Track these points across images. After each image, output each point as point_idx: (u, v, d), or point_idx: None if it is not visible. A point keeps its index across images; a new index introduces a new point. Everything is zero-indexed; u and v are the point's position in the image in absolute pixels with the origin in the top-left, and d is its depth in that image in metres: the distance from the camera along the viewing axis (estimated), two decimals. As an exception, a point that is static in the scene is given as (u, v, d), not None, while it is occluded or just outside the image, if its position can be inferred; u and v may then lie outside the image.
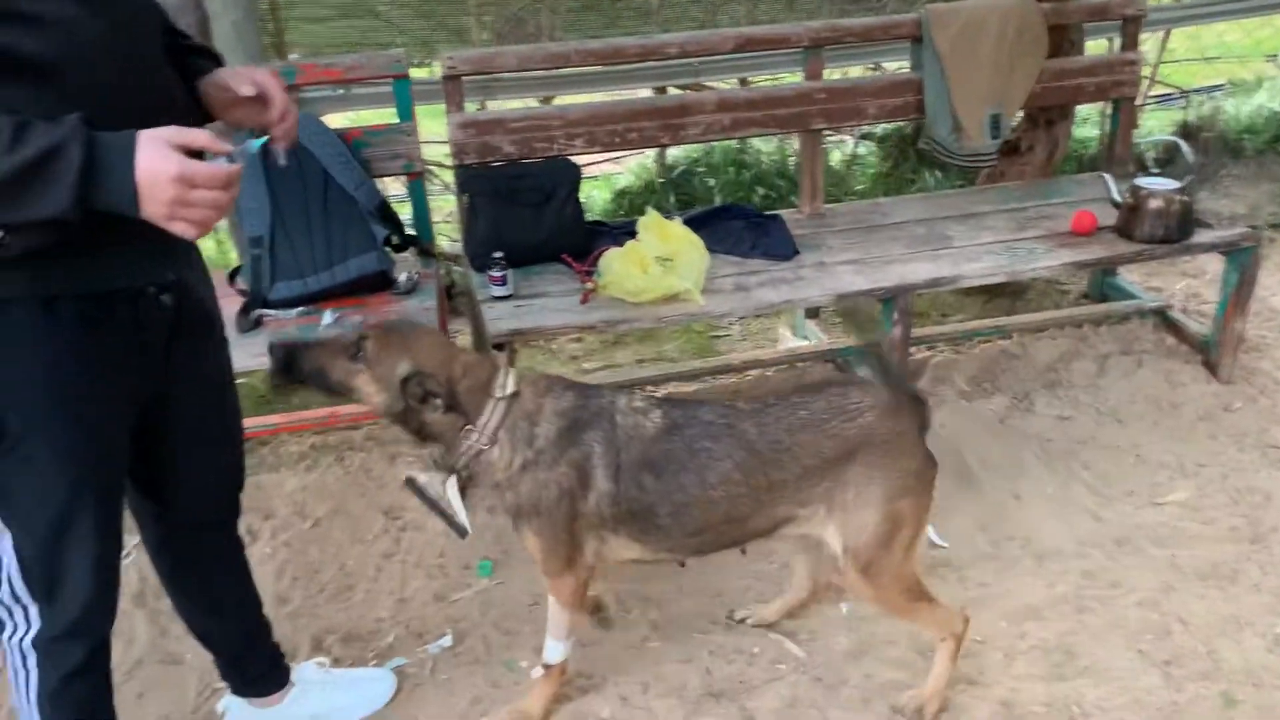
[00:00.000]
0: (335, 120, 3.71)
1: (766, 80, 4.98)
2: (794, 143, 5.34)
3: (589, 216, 3.58)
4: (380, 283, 3.07)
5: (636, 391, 2.21)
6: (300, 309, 2.94)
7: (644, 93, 4.84)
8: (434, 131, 4.22)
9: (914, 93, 3.61)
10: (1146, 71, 5.15)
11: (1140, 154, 4.71)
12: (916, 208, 3.65)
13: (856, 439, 2.05)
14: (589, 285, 3.01)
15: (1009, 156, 4.06)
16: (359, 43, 4.60)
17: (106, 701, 1.92)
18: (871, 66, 5.08)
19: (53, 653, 1.76)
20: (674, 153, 5.25)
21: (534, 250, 3.21)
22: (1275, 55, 7.11)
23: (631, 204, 5.02)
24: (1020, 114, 3.87)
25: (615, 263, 2.96)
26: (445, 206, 4.94)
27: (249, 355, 2.81)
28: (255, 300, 2.95)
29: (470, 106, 3.52)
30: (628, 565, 2.30)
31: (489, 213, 3.19)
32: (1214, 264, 3.93)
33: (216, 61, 1.81)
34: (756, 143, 5.33)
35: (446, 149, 3.46)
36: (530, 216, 3.21)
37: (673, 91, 4.63)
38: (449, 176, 4.91)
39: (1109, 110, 4.39)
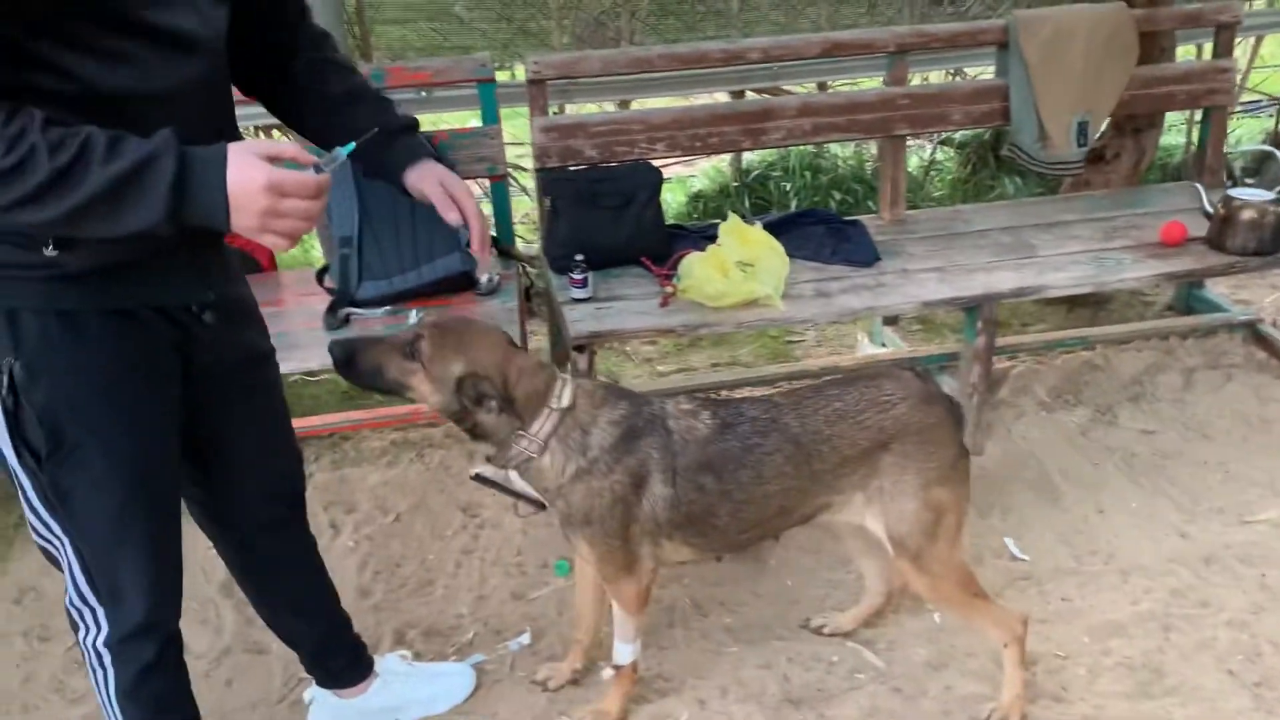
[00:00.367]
0: (418, 122, 3.77)
1: (845, 85, 4.96)
2: (871, 148, 5.32)
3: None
4: (464, 283, 3.12)
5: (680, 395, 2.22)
6: (386, 308, 3.01)
7: (720, 96, 4.84)
8: (510, 134, 4.27)
9: (999, 99, 3.57)
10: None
11: (1229, 163, 4.60)
12: (1000, 215, 3.60)
13: (891, 429, 2.08)
14: (669, 289, 3.02)
15: (1094, 164, 3.99)
16: (440, 46, 4.67)
17: (183, 694, 1.96)
18: (952, 72, 5.02)
19: (123, 652, 1.80)
20: (749, 156, 5.25)
21: (613, 253, 3.22)
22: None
23: (706, 207, 5.03)
24: (1107, 122, 3.81)
25: (696, 267, 2.97)
26: (519, 209, 5.00)
27: (337, 352, 2.88)
28: (343, 299, 3.01)
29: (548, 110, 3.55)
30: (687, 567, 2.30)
31: (570, 215, 3.22)
32: (1307, 277, 3.83)
33: (385, 113, 1.84)
34: (834, 147, 5.31)
35: (520, 151, 3.51)
36: (611, 220, 3.23)
37: (750, 95, 4.62)
38: (525, 179, 4.96)
39: (1196, 118, 4.31)
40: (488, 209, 3.60)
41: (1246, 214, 3.12)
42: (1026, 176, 5.06)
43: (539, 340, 3.85)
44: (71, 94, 1.36)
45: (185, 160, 1.35)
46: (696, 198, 5.11)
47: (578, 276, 3.01)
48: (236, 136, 1.47)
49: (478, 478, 2.26)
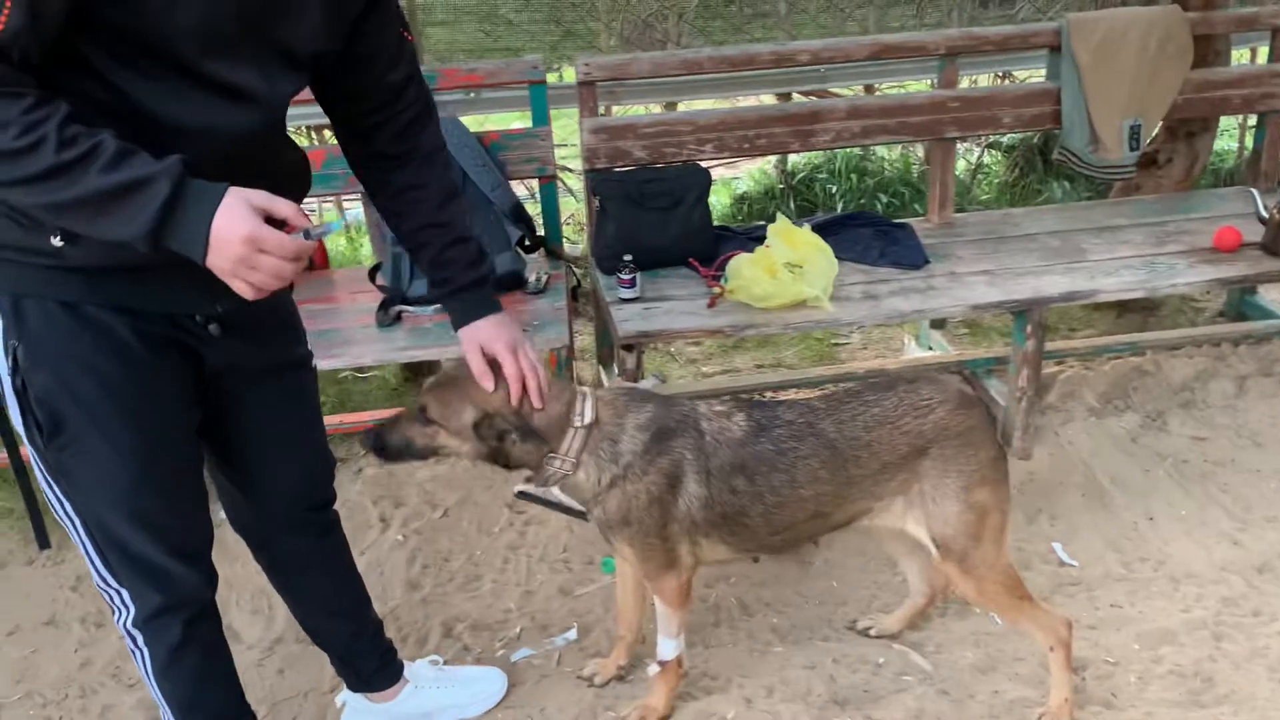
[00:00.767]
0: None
1: (893, 87, 4.94)
2: (918, 150, 5.30)
3: (711, 222, 3.60)
4: (513, 283, 3.16)
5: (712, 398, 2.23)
6: (436, 306, 3.04)
7: (766, 99, 4.85)
8: (555, 136, 4.30)
9: (1050, 102, 3.55)
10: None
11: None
12: (1049, 219, 3.58)
13: (930, 434, 2.08)
14: (716, 290, 3.03)
15: (1146, 169, 3.96)
16: (488, 48, 4.71)
17: (220, 671, 1.99)
18: (1000, 75, 4.99)
19: (151, 631, 1.83)
20: (794, 158, 5.25)
21: (661, 254, 3.25)
22: None
23: (750, 209, 5.04)
24: (1159, 126, 3.77)
25: (744, 268, 2.98)
26: (564, 210, 5.03)
27: (389, 349, 2.93)
28: (395, 297, 3.06)
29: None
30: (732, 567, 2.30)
31: (619, 216, 3.24)
32: (1364, 284, 3.77)
33: (459, 265, 1.91)
34: (880, 150, 5.30)
35: (564, 152, 3.54)
36: (659, 220, 3.25)
37: (796, 98, 4.63)
38: (569, 180, 5.00)
39: (1249, 123, 4.25)
40: (535, 209, 3.63)
41: (1303, 219, 3.09)
42: (1075, 180, 5.02)
43: (584, 339, 3.88)
44: (117, 110, 1.40)
45: (181, 189, 1.37)
46: (741, 200, 5.12)
47: (626, 277, 3.03)
48: (273, 184, 1.48)
49: (521, 494, 2.29)
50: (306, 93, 1.75)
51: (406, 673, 2.36)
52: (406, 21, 1.83)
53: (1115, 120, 3.52)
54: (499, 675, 2.45)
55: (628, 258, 3.05)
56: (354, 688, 2.34)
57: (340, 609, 2.25)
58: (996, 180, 5.25)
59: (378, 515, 3.07)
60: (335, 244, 4.09)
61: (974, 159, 5.36)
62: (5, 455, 2.98)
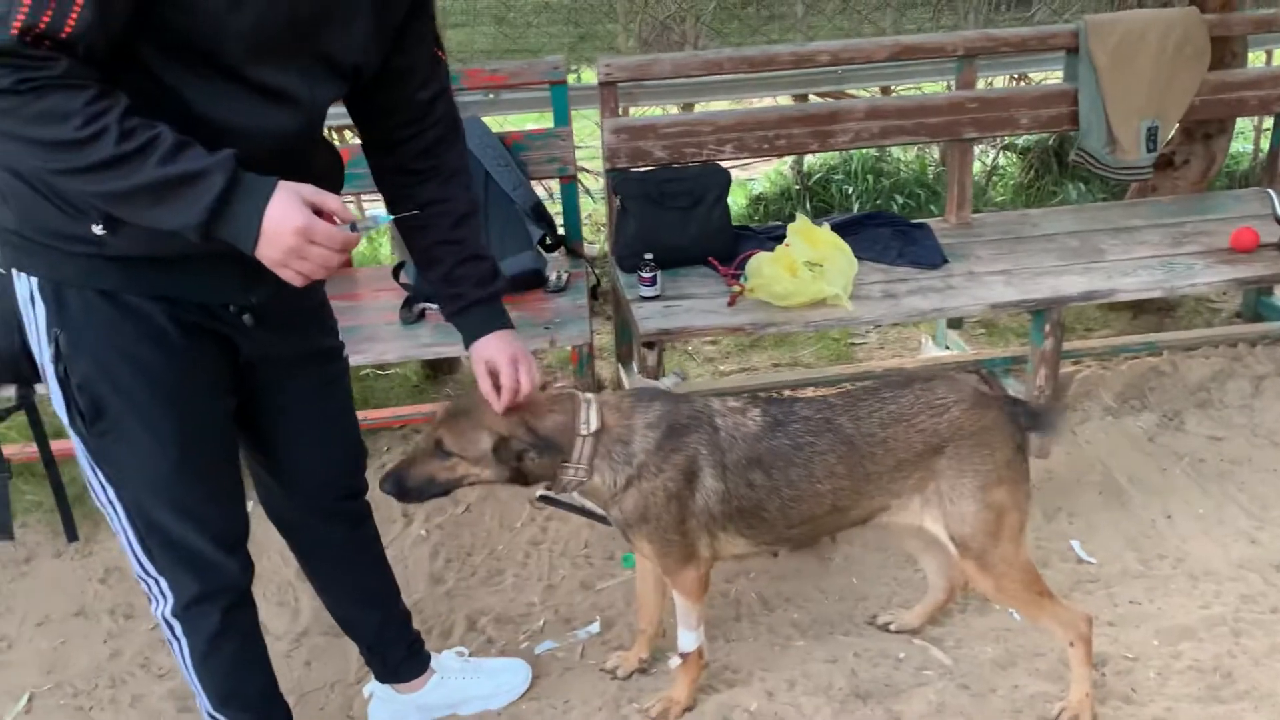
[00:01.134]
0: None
1: (910, 89, 4.96)
2: (934, 152, 5.32)
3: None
4: (534, 281, 3.19)
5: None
6: (460, 303, 3.07)
7: (783, 100, 4.88)
8: (574, 137, 4.34)
9: (1068, 104, 3.58)
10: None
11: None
12: (1067, 220, 3.61)
13: (945, 433, 2.11)
14: (736, 288, 3.06)
15: (1162, 170, 3.97)
16: (506, 50, 4.74)
17: (255, 661, 2.03)
18: (1016, 77, 5.01)
19: (189, 620, 1.87)
20: (810, 159, 5.27)
21: (681, 253, 3.28)
22: None
23: (767, 210, 5.07)
24: (1176, 127, 3.79)
25: (764, 266, 3.00)
26: (582, 210, 5.06)
27: (413, 346, 2.97)
28: (418, 295, 3.09)
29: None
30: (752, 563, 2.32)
31: (639, 215, 3.27)
32: (1381, 285, 3.78)
33: (473, 281, 1.94)
34: (896, 151, 5.32)
35: (581, 153, 3.57)
36: (679, 220, 3.28)
37: (813, 99, 4.65)
38: (588, 180, 5.03)
39: (1264, 125, 4.26)
40: (556, 209, 3.66)
41: (1320, 220, 3.10)
42: (1090, 182, 5.03)
43: (603, 338, 3.91)
44: (167, 107, 1.44)
45: (235, 182, 1.42)
46: (757, 201, 5.15)
47: (647, 275, 3.06)
48: (309, 182, 1.52)
49: (543, 499, 2.32)
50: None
51: (433, 664, 2.39)
52: (441, 41, 1.86)
53: (1133, 121, 3.53)
54: (523, 667, 2.48)
55: (648, 256, 3.07)
56: (381, 678, 2.37)
57: (370, 599, 2.29)
58: (1012, 182, 5.27)
59: (400, 510, 3.10)
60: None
61: (989, 161, 5.38)
62: (35, 449, 3.01)
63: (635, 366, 3.18)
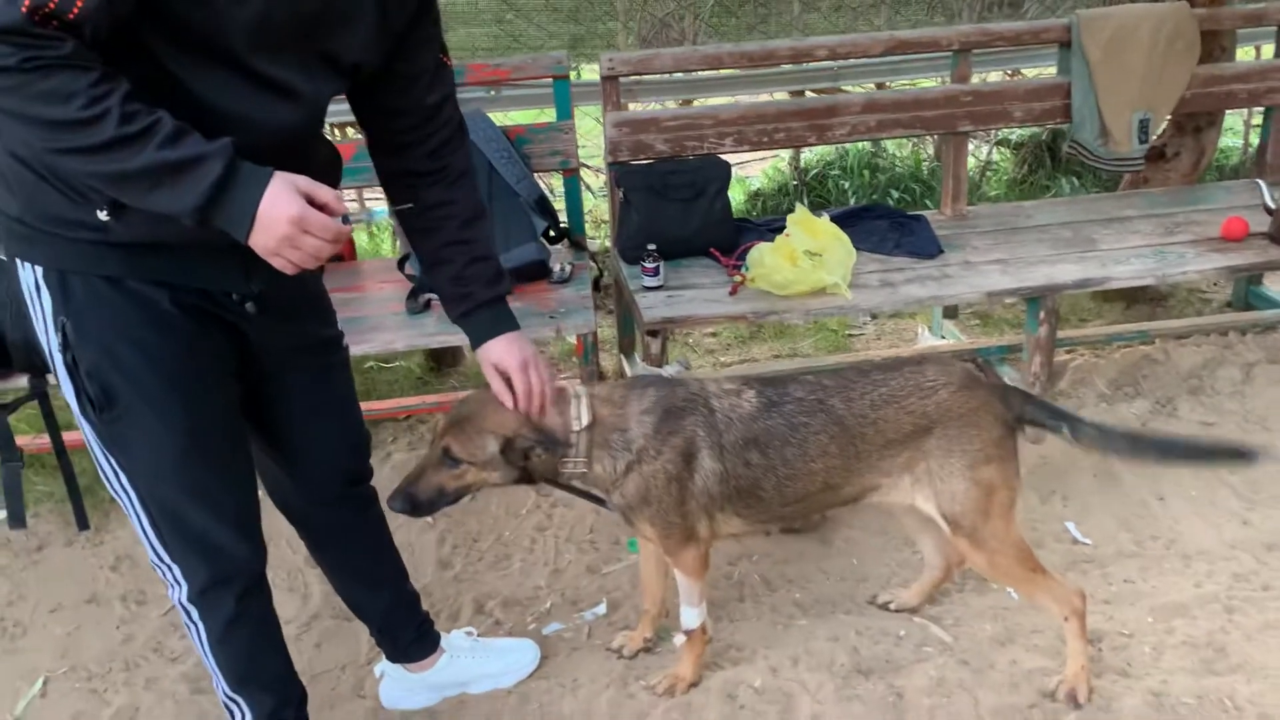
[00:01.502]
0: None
1: (905, 85, 5.02)
2: (928, 147, 5.39)
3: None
4: (539, 272, 3.24)
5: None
6: (466, 292, 3.11)
7: (780, 96, 4.93)
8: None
9: (1061, 97, 3.64)
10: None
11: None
12: (1060, 211, 3.67)
13: (934, 414, 2.17)
14: (738, 278, 3.11)
15: (1154, 163, 4.03)
16: (510, 47, 4.79)
17: (271, 641, 2.07)
18: (1010, 73, 5.07)
19: (205, 605, 1.90)
20: (807, 155, 5.33)
21: (683, 244, 3.34)
22: None
23: (765, 205, 5.12)
24: (1167, 120, 3.85)
25: (765, 256, 3.06)
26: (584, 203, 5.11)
27: (419, 335, 3.01)
28: (424, 285, 3.14)
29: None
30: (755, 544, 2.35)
31: (642, 207, 3.33)
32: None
33: (480, 282, 1.99)
34: (891, 147, 5.38)
35: (583, 151, 3.62)
36: (680, 211, 3.34)
37: (810, 95, 4.71)
38: (588, 176, 5.08)
39: (1254, 120, 4.32)
40: (560, 205, 3.71)
41: (1308, 209, 3.17)
42: (1083, 176, 5.10)
43: (604, 331, 3.96)
44: (169, 94, 1.47)
45: (232, 170, 1.46)
46: (755, 196, 5.20)
47: (650, 265, 3.12)
48: (307, 174, 1.56)
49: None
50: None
51: (443, 643, 2.44)
52: (446, 47, 1.91)
53: (1125, 114, 3.60)
54: (532, 647, 2.53)
55: (651, 247, 3.13)
56: (392, 658, 2.42)
57: (379, 581, 2.33)
58: (1006, 177, 5.33)
59: (407, 498, 3.14)
60: (356, 239, 4.16)
61: (984, 156, 5.44)
62: (45, 440, 3.05)
63: (638, 357, 3.23)
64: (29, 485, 3.13)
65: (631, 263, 3.27)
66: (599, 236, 4.76)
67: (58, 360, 1.69)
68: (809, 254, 3.03)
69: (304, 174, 1.55)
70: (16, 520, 2.57)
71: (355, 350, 2.73)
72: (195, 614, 1.92)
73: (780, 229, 3.21)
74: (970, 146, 5.48)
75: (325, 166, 1.82)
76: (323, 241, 1.53)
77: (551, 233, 3.39)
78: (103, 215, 1.55)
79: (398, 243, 4.47)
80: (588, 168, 4.95)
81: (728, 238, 3.36)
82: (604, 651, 2.55)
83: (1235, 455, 2.33)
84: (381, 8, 1.67)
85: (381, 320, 3.08)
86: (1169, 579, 2.69)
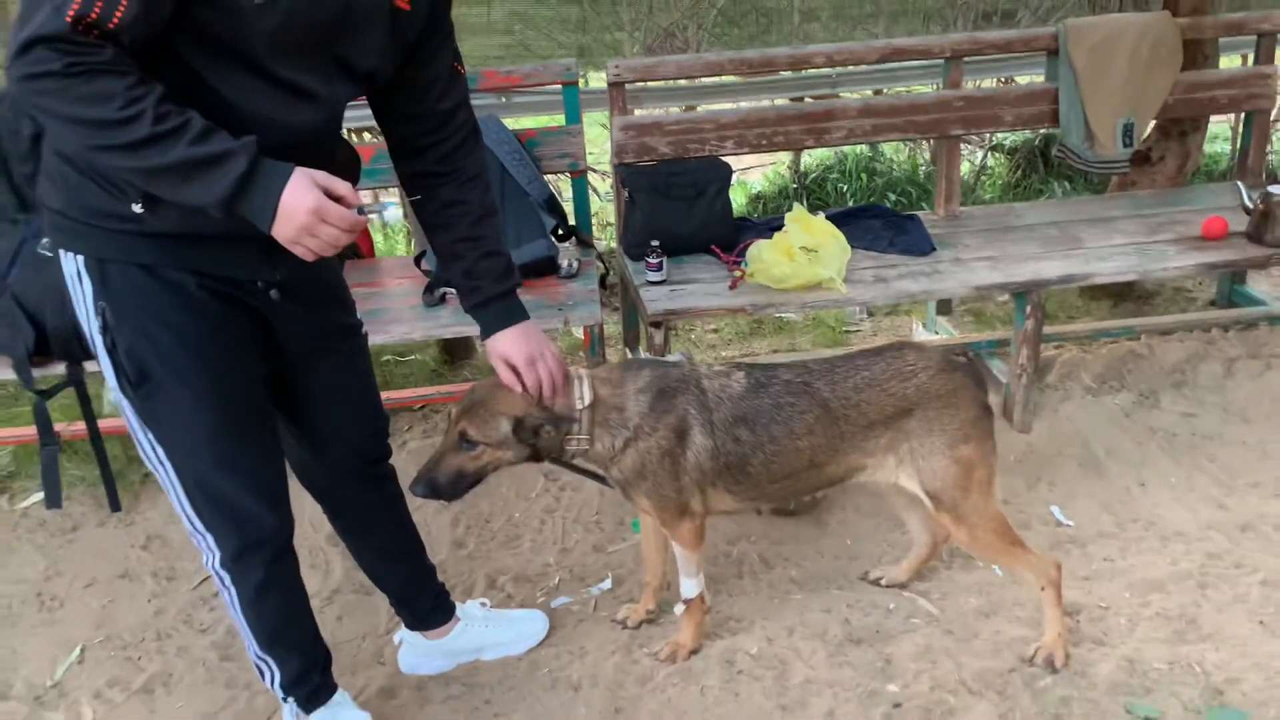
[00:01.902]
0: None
1: (901, 91, 5.17)
2: (924, 152, 5.54)
3: (730, 215, 3.83)
4: (548, 267, 3.39)
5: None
6: (479, 287, 3.27)
7: (781, 103, 5.08)
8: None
9: (1049, 102, 3.79)
10: None
11: (1270, 165, 4.76)
12: (1049, 212, 3.82)
13: (914, 396, 2.31)
14: (738, 273, 3.26)
15: (1140, 166, 4.18)
16: (521, 56, 4.94)
17: (298, 605, 2.21)
18: (1002, 81, 5.23)
19: (236, 571, 2.05)
20: (806, 159, 5.49)
21: (685, 241, 3.49)
22: None
23: (765, 208, 5.28)
24: (1152, 124, 4.00)
25: (764, 252, 3.21)
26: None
27: (435, 326, 3.17)
28: (439, 280, 3.29)
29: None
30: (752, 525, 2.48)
31: (646, 205, 3.48)
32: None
33: (491, 276, 2.13)
34: (888, 151, 5.53)
35: (589, 156, 3.76)
36: (683, 210, 3.49)
37: (809, 101, 4.86)
38: (594, 179, 5.24)
39: (1239, 125, 4.46)
40: (569, 206, 3.87)
41: (1284, 208, 3.31)
42: (1075, 180, 5.24)
43: (610, 326, 4.11)
44: (197, 96, 1.61)
45: (256, 165, 1.60)
46: (756, 198, 5.36)
47: (653, 261, 3.27)
48: (327, 169, 1.70)
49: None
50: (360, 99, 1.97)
51: (458, 612, 2.59)
52: (460, 56, 2.06)
53: (1110, 119, 3.75)
54: (541, 617, 2.68)
55: (655, 244, 3.28)
56: (410, 626, 2.57)
57: (398, 553, 2.48)
58: (999, 181, 5.48)
59: (422, 482, 3.29)
60: (373, 238, 4.31)
61: (978, 161, 5.59)
62: (78, 427, 3.21)
63: (642, 349, 3.38)
64: (64, 469, 3.27)
65: (636, 259, 3.42)
66: (605, 238, 4.92)
67: (98, 342, 1.83)
68: (805, 250, 3.18)
69: (325, 170, 1.69)
70: (53, 501, 2.71)
71: (375, 340, 2.89)
72: (228, 579, 2.06)
73: (779, 227, 3.35)
74: (965, 151, 5.65)
75: (344, 165, 1.96)
76: (339, 230, 1.66)
77: (560, 230, 3.54)
78: (137, 208, 1.70)
79: (413, 242, 4.65)
80: (594, 171, 5.11)
81: (728, 235, 3.51)
82: (609, 623, 2.70)
83: None
84: (393, 19, 1.82)
85: (400, 313, 3.23)
86: (1146, 557, 2.82)
